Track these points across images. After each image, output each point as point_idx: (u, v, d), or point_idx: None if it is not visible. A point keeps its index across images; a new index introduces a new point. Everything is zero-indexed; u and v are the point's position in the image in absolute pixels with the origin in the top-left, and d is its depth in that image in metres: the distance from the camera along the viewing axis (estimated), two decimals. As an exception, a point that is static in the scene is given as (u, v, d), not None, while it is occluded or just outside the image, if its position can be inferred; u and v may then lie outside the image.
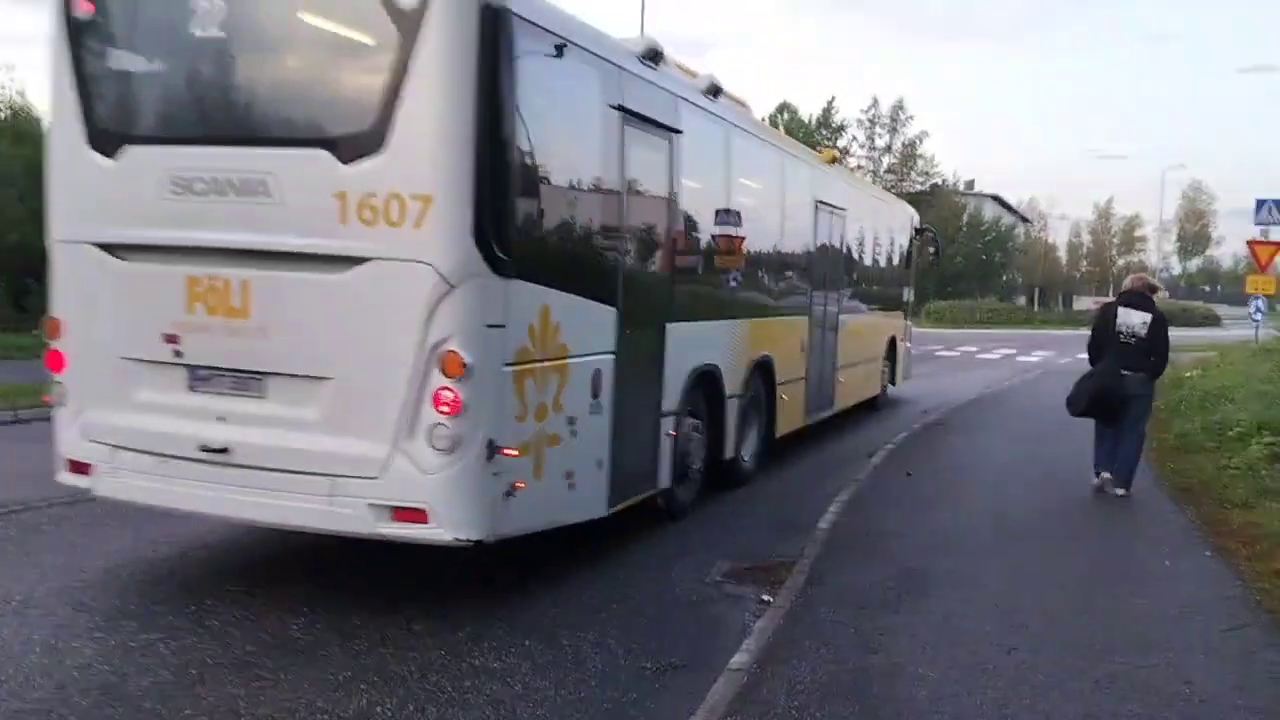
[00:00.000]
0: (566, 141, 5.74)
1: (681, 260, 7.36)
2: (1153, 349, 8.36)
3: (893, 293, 15.19)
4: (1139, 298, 8.51)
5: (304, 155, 4.87)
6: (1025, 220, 79.60)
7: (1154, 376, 8.57)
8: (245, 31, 5.10)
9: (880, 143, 64.84)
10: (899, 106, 64.35)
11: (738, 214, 8.36)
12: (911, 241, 16.02)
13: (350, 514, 4.89)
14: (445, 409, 4.73)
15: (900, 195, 64.19)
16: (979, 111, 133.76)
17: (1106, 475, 8.64)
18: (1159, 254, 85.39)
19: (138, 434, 5.30)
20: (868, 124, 64.68)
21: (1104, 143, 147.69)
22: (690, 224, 7.49)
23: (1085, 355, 9.01)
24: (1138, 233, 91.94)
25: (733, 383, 8.27)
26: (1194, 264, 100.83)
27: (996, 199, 72.35)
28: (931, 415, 13.94)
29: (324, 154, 4.81)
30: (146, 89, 5.46)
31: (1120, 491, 8.49)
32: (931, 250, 17.56)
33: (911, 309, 17.01)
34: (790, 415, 10.21)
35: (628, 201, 6.28)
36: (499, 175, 4.85)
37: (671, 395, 7.07)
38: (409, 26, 4.65)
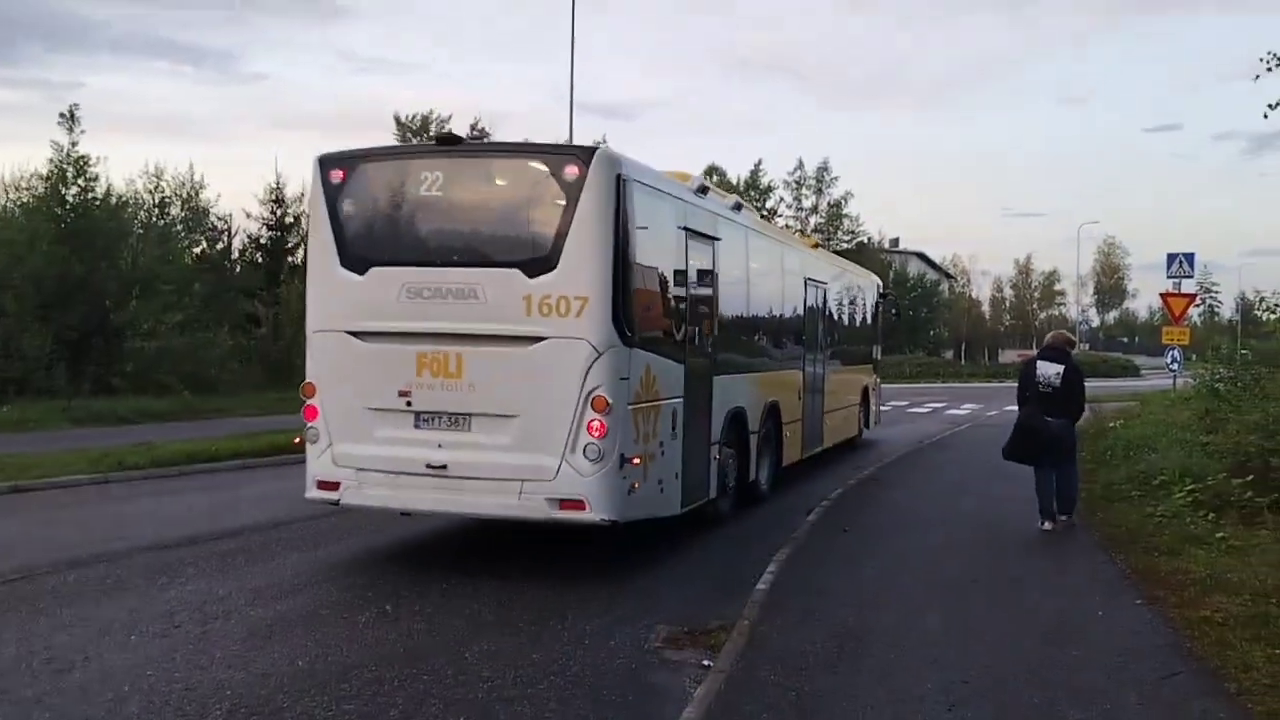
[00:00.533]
0: (657, 255, 8.10)
1: (721, 330, 9.63)
2: (1068, 396, 9.35)
3: (865, 350, 17.97)
4: (1056, 352, 9.55)
5: (503, 273, 7.32)
6: (949, 276, 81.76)
7: (1073, 420, 9.63)
8: (458, 192, 7.75)
9: (807, 203, 66.29)
10: (824, 168, 65.98)
11: (755, 291, 11.13)
12: (877, 305, 18.66)
13: (534, 505, 7.26)
14: (596, 433, 7.14)
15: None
16: (901, 171, 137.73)
17: (1050, 525, 9.41)
18: (1078, 307, 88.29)
19: (378, 459, 7.62)
20: (794, 185, 66.15)
21: (1023, 200, 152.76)
22: (725, 302, 9.79)
23: (1014, 407, 9.96)
24: (1057, 287, 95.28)
25: (754, 421, 10.66)
26: (1111, 316, 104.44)
27: (921, 256, 74.28)
28: (866, 470, 14.05)
29: (517, 272, 7.28)
30: (386, 229, 7.92)
31: (1064, 518, 9.49)
32: (893, 312, 20.61)
33: (879, 365, 19.58)
34: (792, 450, 12.60)
35: (689, 291, 8.76)
36: (625, 285, 7.34)
37: (716, 428, 9.42)
38: (573, 191, 7.18)
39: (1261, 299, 25.30)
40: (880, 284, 19.21)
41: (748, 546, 8.98)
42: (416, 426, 7.57)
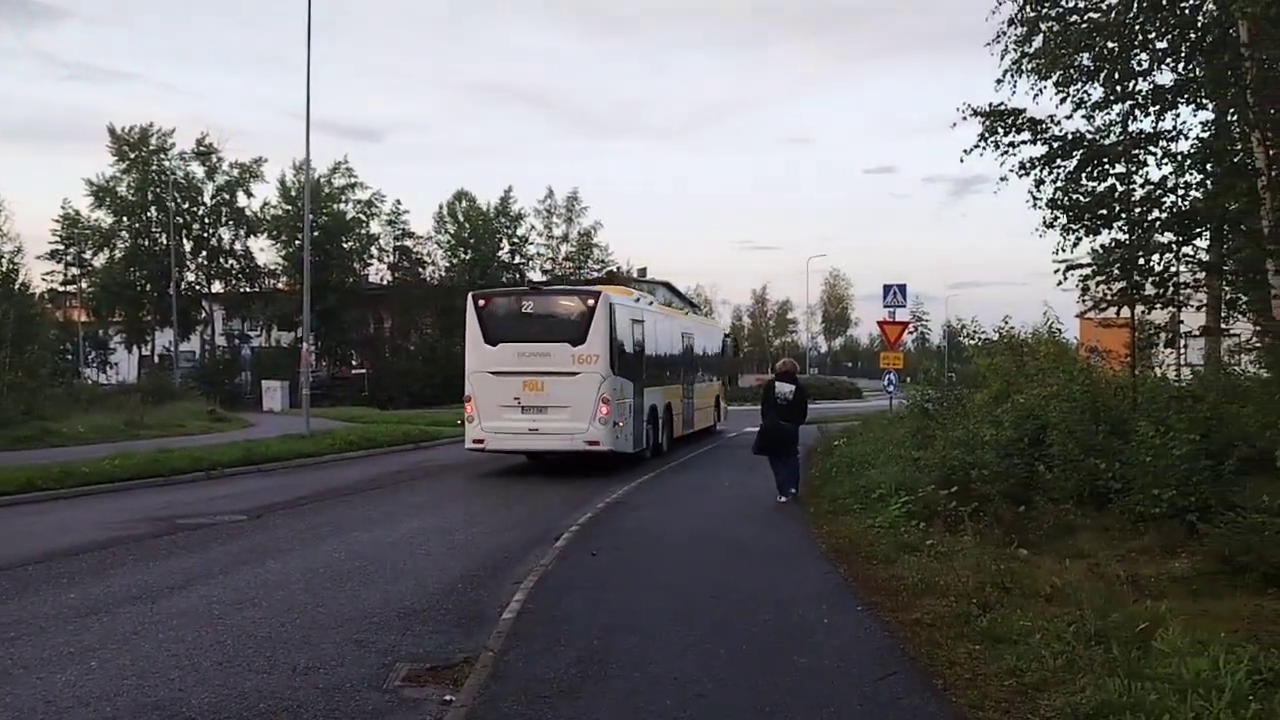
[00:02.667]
0: (624, 334, 17.80)
1: (647, 365, 19.45)
2: (797, 407, 13.51)
3: (717, 373, 29.07)
4: (787, 375, 13.81)
5: (562, 345, 16.80)
6: (694, 306, 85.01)
7: (799, 423, 13.75)
8: (540, 309, 17.52)
9: (558, 232, 67.09)
10: (574, 197, 67.09)
11: (660, 344, 21.01)
12: (724, 344, 30.75)
13: (576, 444, 16.72)
14: (603, 413, 16.63)
15: (579, 282, 66.71)
16: (648, 204, 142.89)
17: (783, 499, 13.15)
18: (809, 334, 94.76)
19: (504, 427, 16.89)
20: (545, 214, 66.80)
21: (759, 234, 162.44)
22: (648, 351, 19.47)
23: (753, 428, 14.09)
24: (790, 316, 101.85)
25: (661, 411, 20.54)
26: (838, 342, 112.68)
27: (668, 286, 76.64)
28: (615, 494, 14.30)
29: (567, 344, 16.78)
30: (507, 325, 17.19)
31: (793, 491, 13.34)
32: (734, 347, 31.90)
33: (726, 382, 31.59)
34: (677, 429, 22.53)
35: (634, 348, 18.53)
36: (615, 348, 17.15)
37: (645, 414, 19.00)
38: (591, 310, 16.93)
39: (963, 326, 29.20)
40: (727, 328, 32.59)
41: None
42: (522, 413, 16.90)
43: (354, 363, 60.87)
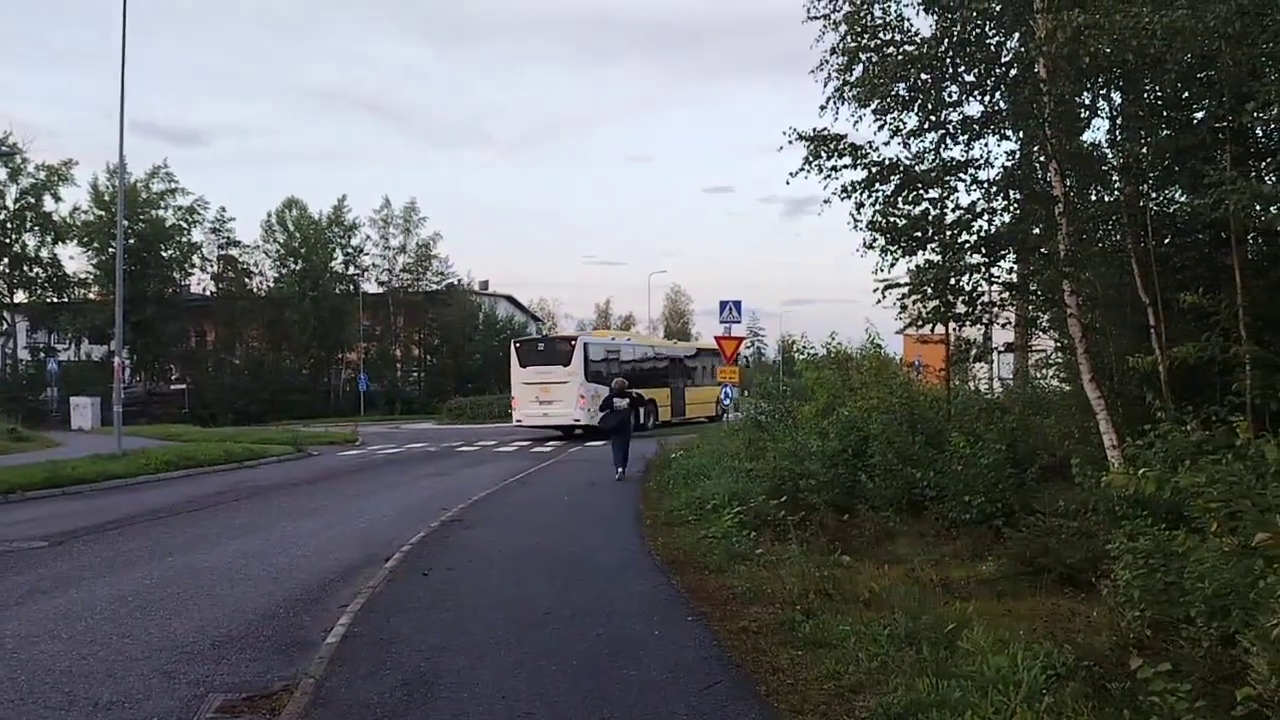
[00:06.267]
0: (599, 358, 33.86)
1: (623, 374, 29.88)
2: (628, 411, 19.16)
3: (683, 380, 40.33)
4: (619, 393, 19.26)
5: (560, 367, 32.34)
6: (537, 319, 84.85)
7: (631, 422, 19.48)
8: (549, 348, 33.99)
9: (395, 243, 65.68)
10: (411, 207, 65.89)
11: (636, 362, 36.74)
12: (685, 359, 41.82)
13: (568, 421, 32.06)
14: (583, 402, 31.10)
15: (417, 294, 65.32)
16: (490, 216, 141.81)
17: (620, 476, 18.08)
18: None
19: (530, 413, 32.88)
20: (381, 224, 65.29)
21: (602, 249, 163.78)
22: (626, 369, 33.85)
23: (596, 442, 19.67)
24: (633, 330, 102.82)
25: (649, 403, 34.34)
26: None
27: (510, 299, 76.35)
28: (450, 512, 14.04)
29: (561, 366, 32.30)
30: (530, 357, 33.40)
31: (622, 470, 18.29)
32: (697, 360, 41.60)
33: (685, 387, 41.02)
34: (664, 415, 37.07)
35: (613, 367, 33.60)
36: (589, 367, 32.56)
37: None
38: (573, 346, 33.17)
39: (793, 342, 32.29)
40: (690, 350, 43.17)
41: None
42: (539, 405, 32.18)
43: (174, 377, 57.69)
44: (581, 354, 32.32)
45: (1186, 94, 9.46)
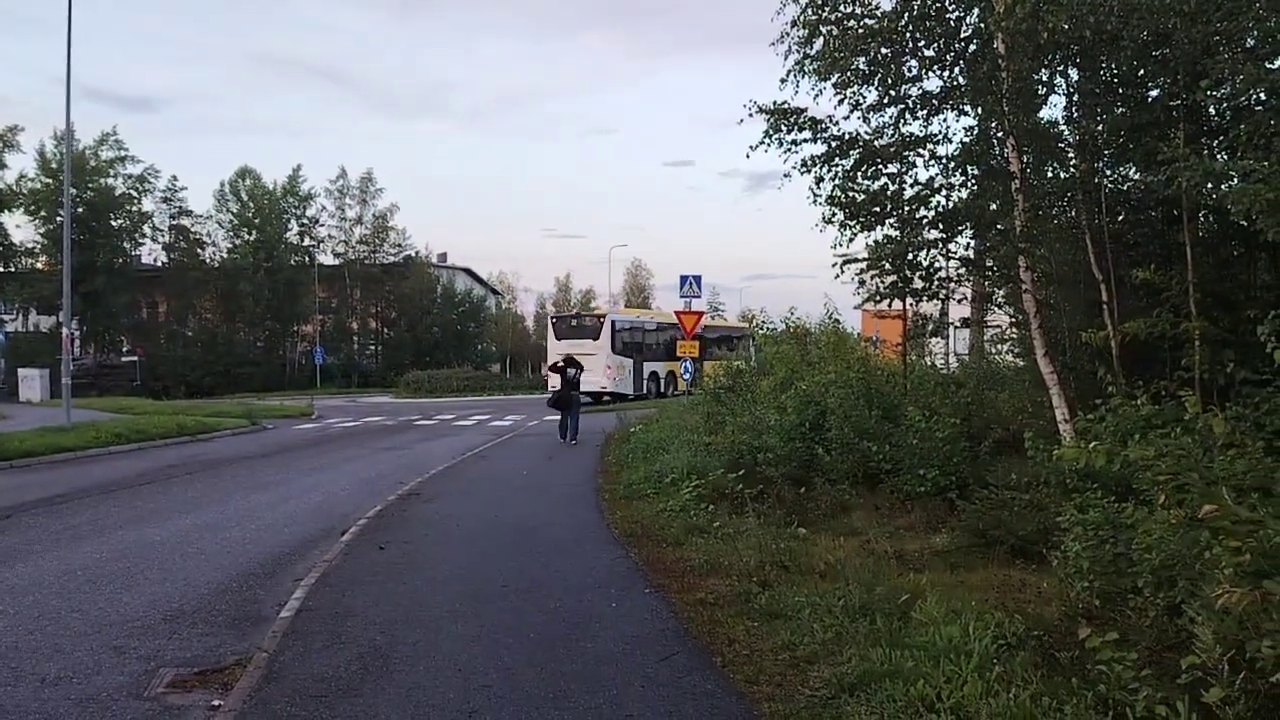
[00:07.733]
0: (625, 333, 39.22)
1: (647, 351, 40.26)
2: (578, 382, 21.21)
3: (727, 351, 38.16)
4: (571, 362, 21.33)
5: (589, 340, 36.54)
6: (496, 293, 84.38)
7: (580, 392, 21.83)
8: (581, 324, 39.36)
9: (351, 214, 64.88)
10: (368, 179, 65.11)
11: (662, 339, 39.74)
12: (747, 334, 37.73)
13: (596, 388, 34.11)
14: (610, 372, 36.65)
15: (374, 266, 64.60)
16: (448, 188, 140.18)
17: (573, 442, 19.83)
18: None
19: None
20: (337, 194, 64.43)
21: (563, 222, 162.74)
22: (651, 343, 40.48)
23: (552, 415, 22.00)
24: (593, 304, 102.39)
25: (665, 375, 39.60)
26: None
27: (468, 272, 75.87)
28: (407, 485, 13.95)
29: (590, 340, 36.60)
30: (565, 331, 38.62)
31: (574, 442, 19.89)
32: (752, 339, 33.87)
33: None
34: (682, 386, 30.93)
35: (640, 341, 40.26)
36: (616, 340, 37.95)
37: (647, 375, 39.71)
38: (601, 322, 38.10)
39: (753, 317, 33.53)
40: (750, 326, 37.32)
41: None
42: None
43: (125, 349, 56.66)
44: (609, 329, 37.21)
45: (1142, 71, 9.52)
